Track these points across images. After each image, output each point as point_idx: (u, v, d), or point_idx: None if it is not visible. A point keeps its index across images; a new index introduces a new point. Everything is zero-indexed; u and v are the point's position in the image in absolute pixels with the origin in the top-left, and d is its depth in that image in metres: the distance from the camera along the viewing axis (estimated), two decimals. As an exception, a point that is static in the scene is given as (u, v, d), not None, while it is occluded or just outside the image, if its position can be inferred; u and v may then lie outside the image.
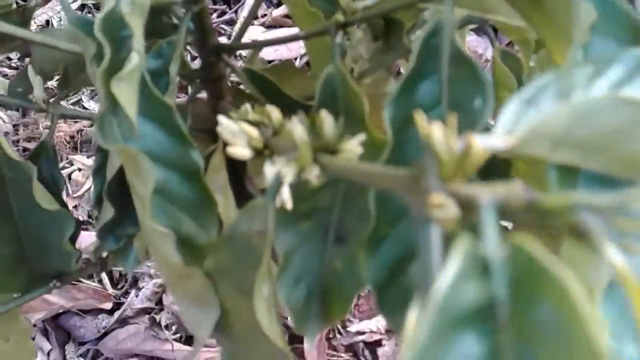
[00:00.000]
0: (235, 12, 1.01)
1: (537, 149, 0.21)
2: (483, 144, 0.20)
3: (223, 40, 1.02)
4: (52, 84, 0.80)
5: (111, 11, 0.27)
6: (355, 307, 0.81)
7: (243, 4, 1.01)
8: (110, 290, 0.82)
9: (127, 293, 0.82)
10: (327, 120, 0.27)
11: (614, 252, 0.15)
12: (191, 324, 0.32)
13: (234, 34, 0.99)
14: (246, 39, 0.54)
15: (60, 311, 0.80)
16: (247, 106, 0.39)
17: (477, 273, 0.14)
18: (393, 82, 0.60)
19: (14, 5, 0.47)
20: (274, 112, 0.34)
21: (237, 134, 0.33)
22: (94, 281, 0.82)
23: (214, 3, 1.02)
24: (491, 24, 0.52)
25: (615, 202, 0.15)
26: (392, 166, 0.29)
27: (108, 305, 0.80)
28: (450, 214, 0.18)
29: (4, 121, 0.90)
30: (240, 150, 0.33)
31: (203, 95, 0.53)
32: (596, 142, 0.21)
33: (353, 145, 0.27)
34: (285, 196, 0.31)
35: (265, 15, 0.99)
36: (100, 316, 0.81)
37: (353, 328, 0.79)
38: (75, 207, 0.88)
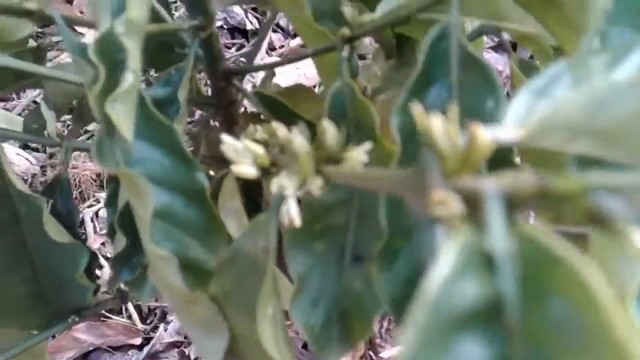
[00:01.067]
0: (253, 45, 1.03)
1: (553, 140, 0.20)
2: (490, 135, 0.18)
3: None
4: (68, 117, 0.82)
5: (106, 33, 0.26)
6: (386, 331, 0.78)
7: (261, 37, 1.02)
8: (139, 325, 0.81)
9: (156, 327, 0.81)
10: (329, 129, 0.26)
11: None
12: (202, 351, 0.31)
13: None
14: (247, 60, 0.54)
15: (90, 349, 0.79)
16: (255, 126, 0.39)
17: (478, 268, 0.12)
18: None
19: (28, 45, 0.47)
20: (280, 129, 0.33)
21: (242, 153, 0.32)
22: (122, 317, 0.82)
23: (232, 37, 1.04)
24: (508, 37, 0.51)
25: (638, 181, 0.13)
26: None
27: (137, 341, 0.80)
28: (453, 210, 0.16)
29: (31, 163, 0.92)
30: (246, 169, 0.32)
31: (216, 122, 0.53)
32: (620, 129, 0.19)
33: (358, 154, 0.26)
34: (293, 212, 0.29)
35: (282, 46, 0.99)
36: (130, 352, 0.80)
37: (385, 354, 0.76)
38: (102, 244, 0.88)
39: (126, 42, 0.26)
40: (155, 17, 0.44)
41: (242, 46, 1.03)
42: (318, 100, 0.55)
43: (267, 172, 0.33)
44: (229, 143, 0.32)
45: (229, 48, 1.04)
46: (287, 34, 0.96)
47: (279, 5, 0.44)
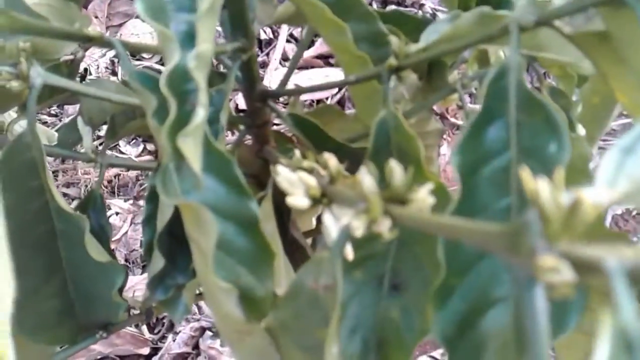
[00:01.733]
0: (267, 54, 1.03)
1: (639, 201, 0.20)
2: (589, 199, 0.18)
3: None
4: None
5: (177, 66, 0.26)
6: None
7: (274, 46, 1.02)
8: (148, 335, 0.81)
9: (164, 337, 0.81)
10: (396, 170, 0.26)
11: None
12: (252, 383, 0.31)
13: (266, 76, 1.00)
14: (277, 78, 0.54)
15: (99, 357, 0.79)
16: (297, 153, 0.39)
17: (623, 353, 0.13)
18: (434, 121, 0.59)
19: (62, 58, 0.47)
20: (331, 160, 0.34)
21: (296, 184, 0.32)
22: (131, 326, 0.81)
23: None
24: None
25: None
26: (464, 217, 0.28)
27: (145, 351, 0.79)
28: (565, 278, 0.17)
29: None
30: (300, 201, 0.32)
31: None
32: None
33: (424, 195, 0.26)
34: (347, 247, 0.30)
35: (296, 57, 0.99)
36: (137, 362, 0.80)
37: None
38: (113, 250, 0.87)
39: (197, 76, 0.26)
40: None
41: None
42: (345, 120, 0.55)
43: (317, 201, 0.34)
44: (283, 174, 0.32)
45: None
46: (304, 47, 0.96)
47: (318, 29, 0.44)
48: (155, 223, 0.42)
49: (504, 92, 0.29)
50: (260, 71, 1.03)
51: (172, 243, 0.42)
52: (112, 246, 0.90)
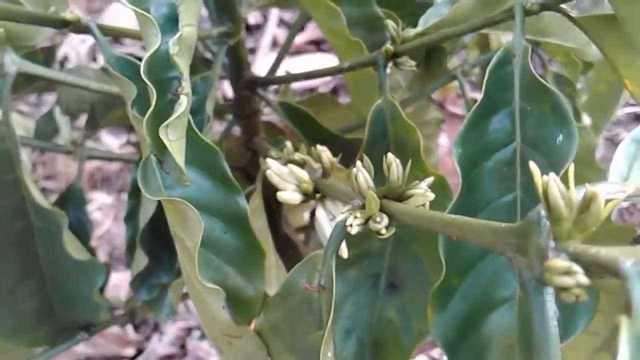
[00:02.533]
0: (256, 40, 1.00)
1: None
2: (602, 193, 0.17)
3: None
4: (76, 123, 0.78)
5: (157, 51, 0.24)
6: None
7: (264, 32, 0.99)
8: (132, 335, 0.78)
9: (149, 338, 0.79)
10: (393, 165, 0.24)
11: None
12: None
13: (255, 62, 0.97)
14: (269, 65, 0.52)
15: (82, 358, 0.77)
16: (289, 145, 0.37)
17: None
18: (433, 110, 0.57)
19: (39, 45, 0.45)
20: (325, 153, 0.32)
21: (287, 178, 0.30)
22: (115, 326, 0.79)
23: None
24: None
25: None
26: (465, 213, 0.27)
27: (130, 352, 0.77)
28: (579, 281, 0.15)
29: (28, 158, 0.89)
30: (291, 195, 0.30)
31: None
32: None
33: (424, 191, 0.24)
34: (342, 245, 0.28)
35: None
36: (121, 363, 0.78)
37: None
38: (95, 247, 0.84)
39: (179, 62, 0.24)
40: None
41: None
42: (339, 110, 0.53)
43: (309, 196, 0.32)
44: (274, 167, 0.30)
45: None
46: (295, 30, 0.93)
47: (311, 13, 0.42)
48: (138, 219, 0.40)
49: (508, 79, 0.27)
50: (250, 57, 1.01)
51: (155, 240, 0.40)
52: (95, 243, 0.88)
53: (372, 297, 0.36)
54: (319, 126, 0.44)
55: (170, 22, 0.26)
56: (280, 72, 0.50)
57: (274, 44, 0.97)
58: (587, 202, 0.16)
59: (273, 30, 1.00)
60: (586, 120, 0.56)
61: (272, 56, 0.56)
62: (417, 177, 0.35)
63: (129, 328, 0.79)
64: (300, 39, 0.96)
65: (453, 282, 0.28)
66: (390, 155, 0.25)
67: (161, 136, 0.23)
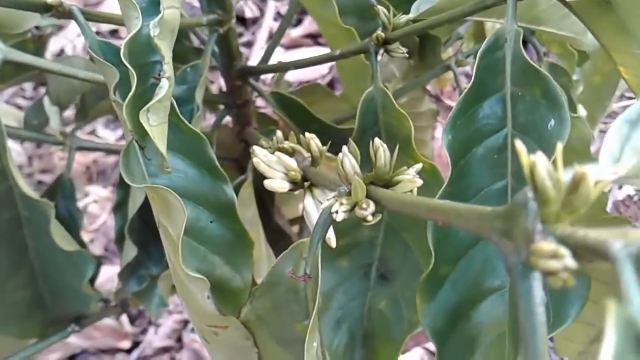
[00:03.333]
0: (253, 33, 0.99)
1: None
2: (591, 175, 0.16)
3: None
4: (67, 114, 0.78)
5: (138, 34, 0.24)
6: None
7: (261, 26, 0.99)
8: (128, 327, 0.78)
9: (145, 330, 0.78)
10: (380, 150, 0.24)
11: None
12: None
13: (251, 56, 0.96)
14: (262, 58, 0.51)
15: (77, 351, 0.77)
16: (279, 134, 0.36)
17: (632, 346, 0.11)
18: (427, 102, 0.57)
19: (30, 34, 0.44)
20: (314, 141, 0.31)
21: (275, 166, 0.29)
22: (108, 319, 0.78)
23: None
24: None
25: None
26: (453, 199, 0.26)
27: (126, 344, 0.77)
28: (565, 264, 0.14)
29: (17, 153, 0.88)
30: (279, 183, 0.29)
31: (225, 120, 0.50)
32: None
33: (412, 177, 0.24)
34: (330, 235, 0.27)
35: (283, 36, 0.96)
36: (117, 356, 0.77)
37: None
38: (91, 240, 0.85)
39: (160, 45, 0.24)
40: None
41: (240, 35, 1.00)
42: (333, 100, 0.53)
43: (297, 185, 0.31)
44: (261, 155, 0.30)
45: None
46: (289, 23, 0.92)
47: (303, 1, 0.42)
48: (127, 209, 0.39)
49: (499, 64, 0.27)
50: (246, 50, 1.00)
51: (144, 231, 0.40)
52: (91, 236, 0.87)
53: (363, 287, 0.36)
54: (311, 116, 0.43)
55: (153, 5, 0.25)
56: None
57: (271, 37, 0.96)
58: (576, 183, 0.15)
59: (270, 24, 0.99)
60: (582, 111, 0.55)
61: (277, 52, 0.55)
62: (408, 165, 0.35)
63: (125, 320, 0.79)
64: (297, 32, 0.95)
65: (442, 271, 0.28)
66: (377, 140, 0.24)
67: (141, 121, 0.23)
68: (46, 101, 0.41)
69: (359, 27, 0.41)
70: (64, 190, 0.42)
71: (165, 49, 0.24)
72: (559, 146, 0.16)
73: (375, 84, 0.34)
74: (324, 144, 0.46)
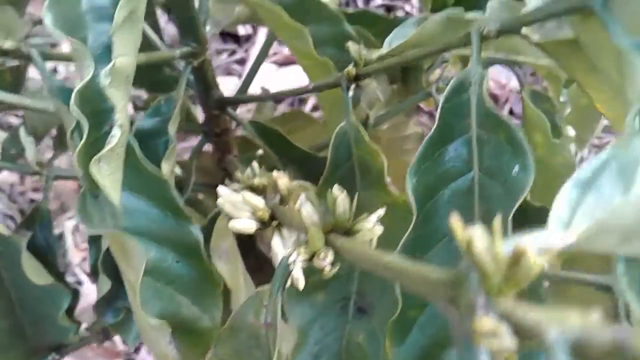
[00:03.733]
0: (246, 50, 0.99)
1: (602, 244, 0.17)
2: (538, 246, 0.16)
3: (234, 80, 0.99)
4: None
5: (90, 82, 0.23)
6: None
7: (254, 43, 0.99)
8: (121, 346, 0.78)
9: (137, 350, 0.78)
10: (340, 198, 0.23)
11: None
12: None
13: (244, 73, 0.96)
14: (259, 77, 0.51)
15: (69, 370, 0.76)
16: (255, 165, 0.36)
17: None
18: (412, 125, 0.56)
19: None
20: (281, 179, 0.31)
21: (240, 206, 0.29)
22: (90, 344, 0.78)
23: (224, 42, 1.00)
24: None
25: None
26: (420, 246, 0.25)
27: (119, 363, 0.77)
28: (505, 344, 0.14)
29: (9, 172, 0.88)
30: (244, 224, 0.29)
31: (208, 147, 0.50)
32: None
33: (371, 226, 0.23)
34: (298, 276, 0.27)
35: (276, 53, 0.96)
36: (110, 375, 0.77)
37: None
38: (83, 259, 0.85)
39: (113, 95, 0.23)
40: (144, 41, 0.40)
41: (233, 52, 1.00)
42: (315, 126, 0.52)
43: (266, 224, 0.31)
44: (226, 196, 0.29)
45: (220, 54, 1.00)
46: (281, 40, 0.92)
47: (277, 33, 0.41)
48: (101, 242, 0.39)
49: (464, 106, 0.26)
50: (239, 67, 1.00)
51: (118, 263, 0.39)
52: (83, 254, 0.87)
53: (341, 321, 0.35)
54: (291, 144, 0.43)
55: (108, 52, 0.25)
56: (271, 82, 0.50)
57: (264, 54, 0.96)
58: (517, 258, 0.15)
59: (263, 41, 0.99)
60: (570, 132, 0.55)
61: (263, 66, 0.55)
62: (382, 200, 0.34)
63: (118, 339, 0.79)
64: (288, 50, 0.95)
65: (410, 314, 0.27)
66: (336, 188, 0.24)
67: (92, 171, 0.22)
68: (22, 132, 0.41)
69: (337, 57, 0.41)
70: (42, 219, 0.42)
71: (119, 97, 0.24)
72: (497, 219, 0.15)
73: (347, 119, 0.34)
74: (303, 172, 0.45)
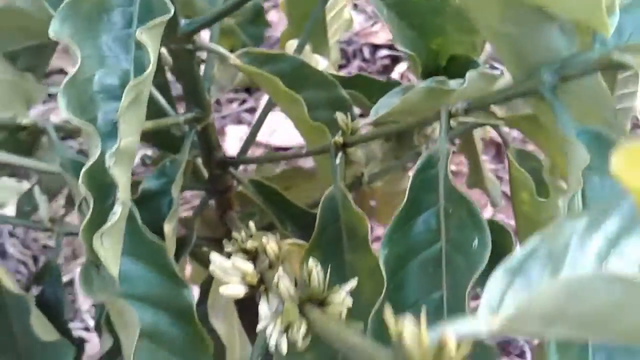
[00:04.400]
0: (256, 99, 1.03)
1: (526, 329, 0.19)
2: (462, 333, 0.17)
3: (243, 128, 1.03)
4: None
5: (96, 161, 0.26)
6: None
7: (264, 92, 1.03)
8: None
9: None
10: (314, 271, 0.25)
11: None
12: None
13: (253, 121, 1.00)
14: (267, 126, 0.54)
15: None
16: (251, 225, 0.38)
17: None
18: (407, 180, 0.58)
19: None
20: (270, 244, 0.33)
21: (230, 272, 0.31)
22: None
23: (235, 92, 1.05)
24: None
25: None
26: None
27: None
28: None
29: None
30: (233, 290, 0.31)
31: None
32: (590, 318, 0.19)
33: (342, 298, 0.25)
34: (279, 342, 0.28)
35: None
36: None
37: None
38: (92, 305, 0.87)
39: (116, 174, 0.26)
40: (152, 106, 0.43)
41: (244, 101, 1.04)
42: (313, 183, 0.55)
43: (254, 288, 0.33)
44: (217, 262, 0.32)
45: (231, 102, 1.05)
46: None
47: (273, 99, 0.44)
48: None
49: (433, 181, 0.29)
50: (248, 116, 1.04)
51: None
52: (88, 306, 0.89)
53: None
54: (288, 202, 0.46)
55: (117, 129, 0.28)
56: (273, 125, 0.52)
57: (272, 103, 0.99)
58: (441, 346, 0.17)
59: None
60: (562, 185, 0.56)
61: (272, 115, 0.58)
62: (367, 263, 0.36)
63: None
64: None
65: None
66: (311, 261, 0.26)
67: (95, 246, 0.25)
68: (36, 190, 0.44)
69: (332, 121, 0.44)
70: (51, 275, 0.44)
71: (121, 174, 0.26)
72: (423, 311, 0.17)
73: (335, 184, 0.36)
74: (299, 227, 0.47)
